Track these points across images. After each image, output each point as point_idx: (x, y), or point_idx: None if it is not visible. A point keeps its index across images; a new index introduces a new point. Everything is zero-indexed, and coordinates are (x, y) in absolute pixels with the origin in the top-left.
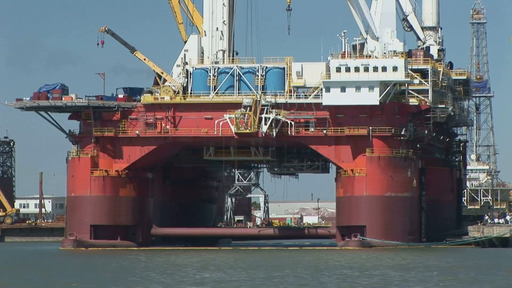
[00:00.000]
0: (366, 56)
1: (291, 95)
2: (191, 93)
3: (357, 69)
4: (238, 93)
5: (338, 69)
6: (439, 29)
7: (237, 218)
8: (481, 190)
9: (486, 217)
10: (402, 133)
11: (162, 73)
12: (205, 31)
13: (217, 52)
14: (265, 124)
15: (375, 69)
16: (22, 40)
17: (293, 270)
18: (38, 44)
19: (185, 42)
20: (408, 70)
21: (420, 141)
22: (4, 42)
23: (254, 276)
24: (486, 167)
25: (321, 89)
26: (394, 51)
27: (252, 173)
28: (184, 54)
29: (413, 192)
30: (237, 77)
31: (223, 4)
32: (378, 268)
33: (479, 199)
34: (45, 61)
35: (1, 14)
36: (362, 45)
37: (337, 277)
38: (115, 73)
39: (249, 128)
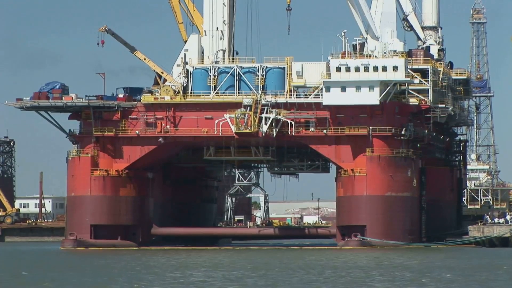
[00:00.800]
0: (366, 56)
1: (291, 95)
2: (191, 93)
3: (357, 69)
4: (238, 93)
5: (338, 69)
6: (439, 28)
7: (237, 218)
8: (481, 189)
9: (486, 217)
10: (402, 133)
11: (162, 72)
12: (205, 31)
13: (217, 51)
14: (265, 124)
15: (375, 69)
16: (20, 39)
17: (270, 270)
18: (37, 44)
19: (185, 41)
20: (408, 70)
21: (420, 140)
22: (4, 42)
23: (230, 276)
24: (486, 166)
25: (321, 89)
26: (394, 50)
27: (252, 172)
28: (184, 54)
29: (413, 192)
30: (237, 77)
31: (223, 3)
32: (361, 268)
33: (479, 199)
34: (40, 60)
35: (4, 12)
36: (362, 45)
37: (307, 277)
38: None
39: (249, 128)
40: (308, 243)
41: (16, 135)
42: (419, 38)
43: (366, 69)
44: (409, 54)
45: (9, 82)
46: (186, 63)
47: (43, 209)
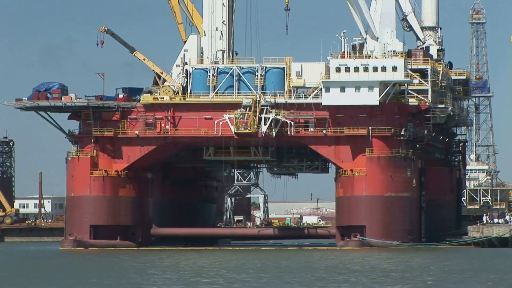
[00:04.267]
0: (366, 56)
1: (290, 95)
2: (190, 93)
3: (356, 69)
4: (238, 93)
5: (338, 69)
6: (439, 29)
7: (236, 218)
8: (481, 190)
9: (485, 217)
10: (402, 133)
11: (162, 73)
12: (204, 31)
13: (216, 52)
14: (265, 124)
15: (375, 69)
16: (20, 39)
17: (240, 271)
18: (36, 43)
19: (185, 42)
20: (408, 70)
21: (420, 141)
22: (4, 41)
23: (202, 276)
24: (486, 167)
25: (321, 89)
26: (394, 51)
27: (251, 173)
28: (184, 54)
29: (413, 192)
30: (236, 77)
31: (223, 4)
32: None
33: (478, 199)
34: (40, 60)
35: (4, 12)
36: (362, 45)
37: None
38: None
39: (249, 128)
40: (308, 243)
41: (16, 135)
42: (418, 39)
43: (366, 69)
44: (408, 54)
45: (9, 82)
46: (186, 63)
47: (43, 210)
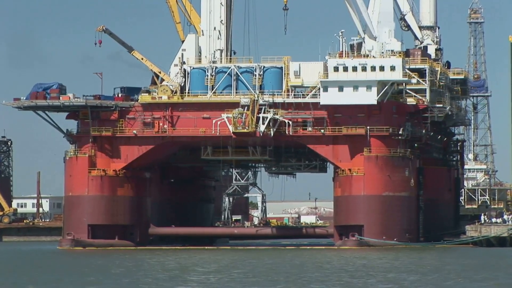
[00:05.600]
0: (364, 56)
1: (288, 95)
2: (188, 92)
3: (354, 69)
4: (236, 92)
5: (336, 69)
6: (437, 28)
7: (234, 217)
8: (479, 189)
9: (483, 217)
10: (400, 132)
11: (160, 72)
12: (202, 31)
13: (214, 51)
14: (263, 123)
15: (373, 68)
16: (19, 38)
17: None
18: (35, 43)
19: (183, 41)
20: (406, 70)
21: (418, 140)
22: (2, 40)
23: (175, 276)
24: (484, 166)
25: (319, 89)
26: (392, 50)
27: (249, 172)
28: (182, 54)
29: (411, 192)
30: (234, 77)
31: (221, 3)
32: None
33: (476, 199)
34: (39, 59)
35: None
36: (360, 45)
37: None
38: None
39: (247, 128)
40: (306, 243)
41: (14, 134)
42: (416, 38)
43: (364, 69)
44: (406, 53)
45: (7, 81)
46: (184, 62)
47: (41, 209)
